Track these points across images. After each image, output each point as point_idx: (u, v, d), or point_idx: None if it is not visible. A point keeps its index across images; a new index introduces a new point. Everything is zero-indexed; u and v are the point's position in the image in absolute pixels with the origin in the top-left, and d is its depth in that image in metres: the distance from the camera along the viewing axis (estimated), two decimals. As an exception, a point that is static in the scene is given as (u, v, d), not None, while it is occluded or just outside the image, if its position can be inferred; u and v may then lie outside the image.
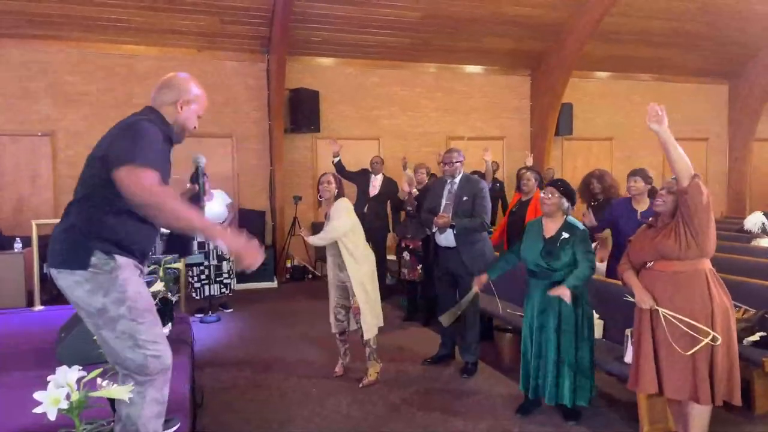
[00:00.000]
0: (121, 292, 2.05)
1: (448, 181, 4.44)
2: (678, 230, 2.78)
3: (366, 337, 4.06)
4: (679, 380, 2.79)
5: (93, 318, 2.08)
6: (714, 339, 2.70)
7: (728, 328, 2.78)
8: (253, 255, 2.02)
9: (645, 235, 2.99)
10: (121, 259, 2.08)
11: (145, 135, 2.04)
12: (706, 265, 2.83)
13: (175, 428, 2.48)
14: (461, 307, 3.98)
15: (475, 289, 3.86)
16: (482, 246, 4.35)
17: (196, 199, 2.47)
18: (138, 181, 1.92)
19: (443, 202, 4.40)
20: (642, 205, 4.34)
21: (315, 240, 4.10)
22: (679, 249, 2.77)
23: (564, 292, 3.24)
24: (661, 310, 2.83)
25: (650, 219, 3.06)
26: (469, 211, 4.28)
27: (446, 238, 4.36)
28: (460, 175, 4.42)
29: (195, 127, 2.35)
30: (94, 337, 2.13)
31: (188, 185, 2.52)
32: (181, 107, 2.26)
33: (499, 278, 3.96)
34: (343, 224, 3.98)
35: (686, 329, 2.74)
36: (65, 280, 2.07)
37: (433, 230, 4.43)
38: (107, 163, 2.00)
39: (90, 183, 2.10)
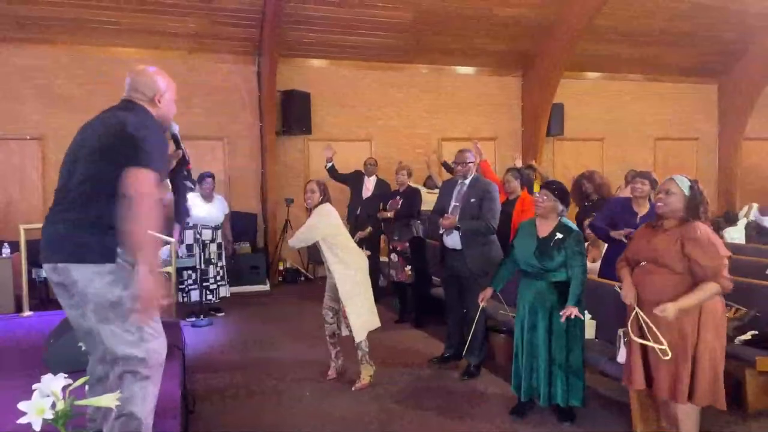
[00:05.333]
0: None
1: (459, 181, 4.41)
2: (686, 264, 2.75)
3: (356, 340, 4.05)
4: (662, 379, 2.82)
5: (103, 311, 2.12)
6: (664, 353, 2.71)
7: (717, 334, 2.78)
8: (150, 301, 2.11)
9: (644, 236, 2.97)
10: None
11: (153, 139, 2.21)
12: None
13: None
14: (472, 329, 3.97)
15: (482, 304, 3.76)
16: (488, 249, 4.27)
17: (184, 162, 2.58)
18: (140, 183, 2.07)
19: (452, 203, 4.38)
20: (643, 209, 4.25)
21: (291, 242, 4.11)
22: (680, 271, 2.77)
23: (572, 312, 3.22)
24: (637, 309, 2.85)
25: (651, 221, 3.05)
26: (476, 213, 4.22)
27: (452, 240, 4.33)
28: (471, 176, 4.39)
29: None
30: (79, 344, 2.12)
31: (174, 151, 2.62)
32: (159, 101, 2.40)
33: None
34: (315, 225, 3.98)
35: (648, 335, 2.76)
36: (82, 272, 2.10)
37: (440, 231, 4.40)
38: (112, 159, 2.12)
39: (99, 176, 2.16)
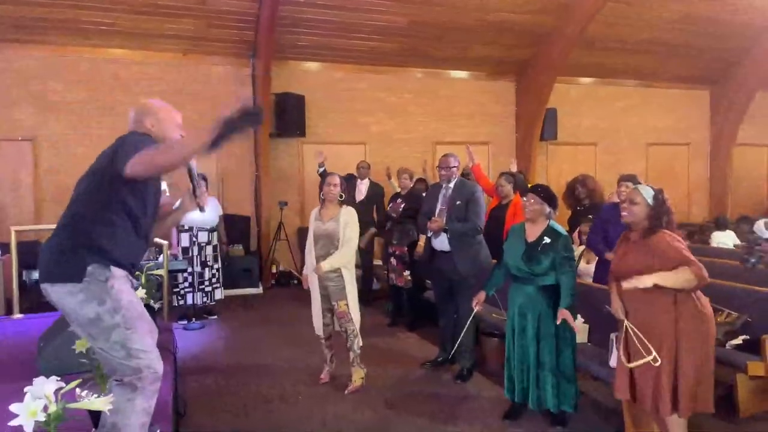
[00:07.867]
0: (116, 301, 2.11)
1: (444, 185, 4.48)
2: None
3: (357, 338, 4.06)
4: (644, 390, 2.83)
5: (86, 328, 2.13)
6: (654, 360, 2.73)
7: (701, 339, 2.77)
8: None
9: (621, 250, 3.03)
10: (115, 270, 2.14)
11: (134, 138, 2.19)
12: None
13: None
14: (464, 330, 3.97)
15: (477, 308, 3.75)
16: (477, 250, 4.35)
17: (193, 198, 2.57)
18: (138, 163, 1.99)
19: (438, 206, 4.43)
20: None
21: (334, 263, 3.93)
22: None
23: (566, 316, 3.24)
24: (626, 322, 2.87)
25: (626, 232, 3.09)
26: (462, 215, 4.29)
27: (441, 242, 4.38)
28: (456, 180, 4.45)
29: (181, 135, 2.45)
30: (73, 347, 2.11)
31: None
32: (152, 125, 2.38)
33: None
34: (356, 236, 4.02)
35: (638, 345, 2.79)
36: (57, 292, 2.12)
37: (429, 234, 4.45)
38: (108, 174, 2.10)
39: (83, 198, 2.18)
